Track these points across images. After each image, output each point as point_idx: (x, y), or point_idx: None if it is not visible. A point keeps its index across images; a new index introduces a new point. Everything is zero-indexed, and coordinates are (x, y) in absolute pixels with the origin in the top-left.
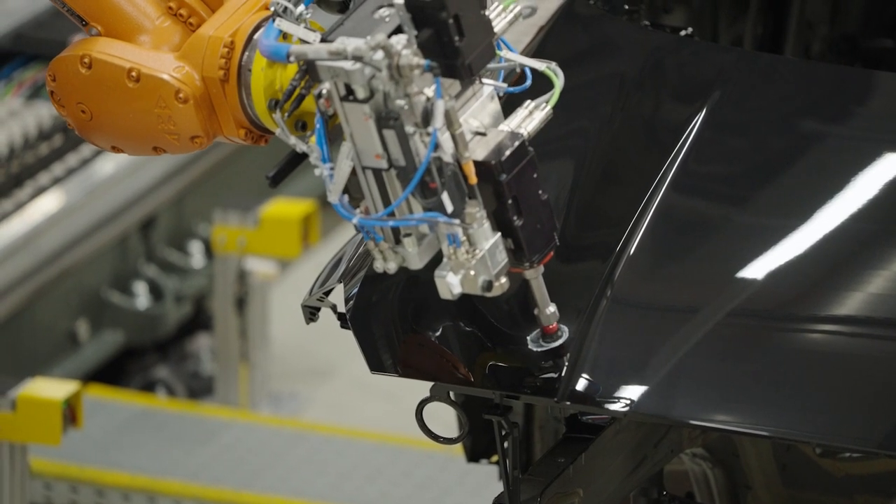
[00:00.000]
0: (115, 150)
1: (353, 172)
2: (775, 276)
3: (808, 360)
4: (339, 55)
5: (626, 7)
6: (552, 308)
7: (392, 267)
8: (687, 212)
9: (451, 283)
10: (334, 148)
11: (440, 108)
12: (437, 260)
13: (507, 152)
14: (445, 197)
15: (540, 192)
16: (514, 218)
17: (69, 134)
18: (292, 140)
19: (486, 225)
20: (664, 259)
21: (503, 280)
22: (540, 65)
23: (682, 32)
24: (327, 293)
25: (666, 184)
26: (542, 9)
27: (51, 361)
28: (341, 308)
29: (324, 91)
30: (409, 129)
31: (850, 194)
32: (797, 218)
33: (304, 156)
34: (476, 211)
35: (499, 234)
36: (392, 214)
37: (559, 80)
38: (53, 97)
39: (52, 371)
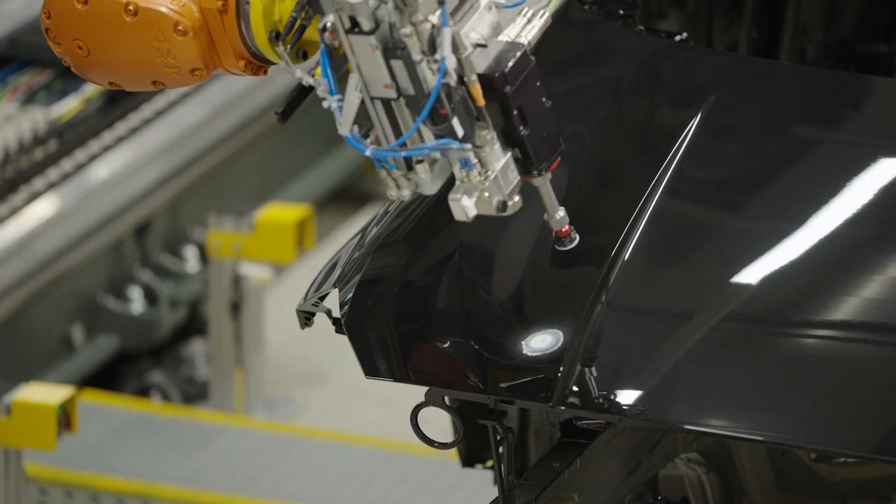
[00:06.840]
0: (113, 85)
1: (362, 103)
2: (770, 281)
3: (802, 364)
4: None
5: (621, 12)
6: (561, 212)
7: (406, 194)
8: (682, 217)
9: (465, 206)
10: (339, 79)
11: (447, 35)
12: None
13: (510, 63)
14: (456, 122)
15: (543, 99)
16: (521, 128)
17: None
18: (298, 73)
19: (497, 146)
20: (659, 264)
21: (516, 198)
22: None
23: (677, 37)
24: (322, 298)
25: (661, 189)
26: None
27: (45, 366)
28: (336, 313)
29: (328, 24)
30: (416, 56)
31: (844, 199)
32: (792, 223)
33: (310, 89)
34: (486, 133)
35: (509, 153)
36: (404, 144)
37: None
38: (48, 34)
39: (46, 376)
